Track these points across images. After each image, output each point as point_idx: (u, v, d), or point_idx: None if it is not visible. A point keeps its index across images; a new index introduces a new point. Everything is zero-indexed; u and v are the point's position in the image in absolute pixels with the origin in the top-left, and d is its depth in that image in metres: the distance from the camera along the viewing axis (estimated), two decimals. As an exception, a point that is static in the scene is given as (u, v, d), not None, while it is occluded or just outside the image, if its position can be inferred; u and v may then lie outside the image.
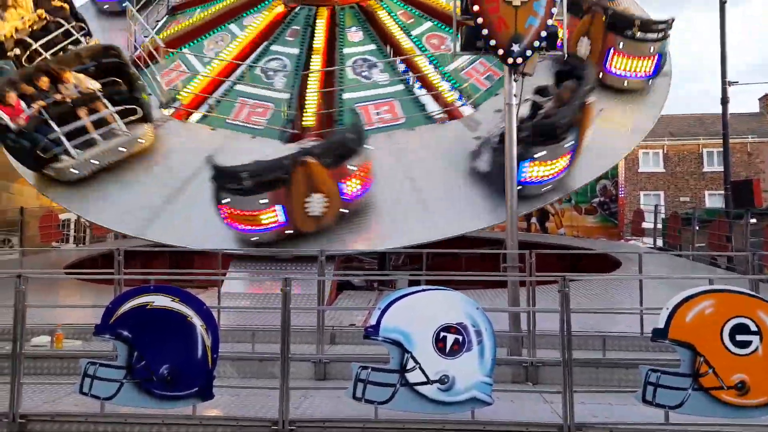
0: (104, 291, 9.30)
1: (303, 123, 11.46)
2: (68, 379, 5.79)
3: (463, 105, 11.40)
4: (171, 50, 12.31)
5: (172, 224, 9.58)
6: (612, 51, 10.60)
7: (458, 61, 11.92)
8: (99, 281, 10.00)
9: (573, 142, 9.10)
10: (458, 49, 6.73)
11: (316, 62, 12.38)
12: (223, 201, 8.63)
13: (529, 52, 6.30)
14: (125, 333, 4.65)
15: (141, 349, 4.65)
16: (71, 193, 10.06)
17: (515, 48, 6.26)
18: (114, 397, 4.69)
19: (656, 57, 10.81)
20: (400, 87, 11.89)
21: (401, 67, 12.47)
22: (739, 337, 4.48)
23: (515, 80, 6.52)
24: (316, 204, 8.72)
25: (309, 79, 12.06)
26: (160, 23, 12.99)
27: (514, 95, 6.52)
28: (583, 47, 10.55)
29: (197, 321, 4.66)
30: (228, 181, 8.49)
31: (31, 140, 9.38)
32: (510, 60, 6.33)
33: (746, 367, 4.47)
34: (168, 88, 11.77)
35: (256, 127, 11.26)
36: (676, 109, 29.85)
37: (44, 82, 9.73)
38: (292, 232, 8.95)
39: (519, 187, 9.19)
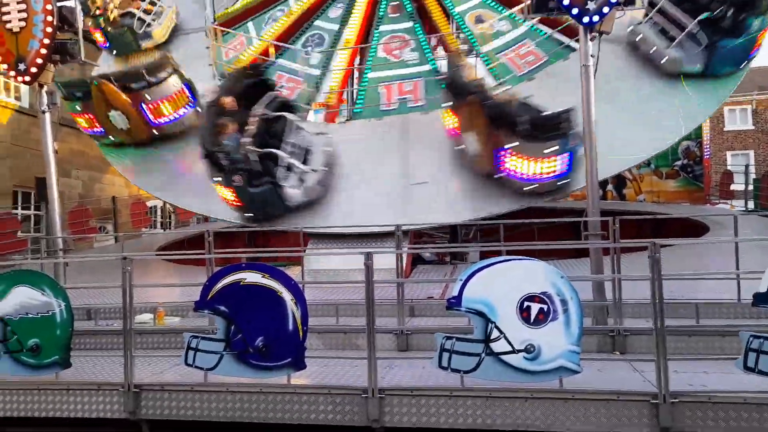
0: (193, 271, 9.92)
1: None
2: (170, 352, 6.26)
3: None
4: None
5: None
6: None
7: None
8: (187, 261, 10.65)
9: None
10: (530, 11, 6.50)
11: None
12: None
13: (606, 9, 6.00)
14: (222, 308, 4.96)
15: (237, 323, 4.94)
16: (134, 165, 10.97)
17: (591, 5, 5.98)
18: (215, 367, 5.03)
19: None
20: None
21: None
22: None
23: (591, 40, 6.24)
24: None
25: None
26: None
27: (591, 56, 6.24)
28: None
29: (287, 295, 4.89)
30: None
31: None
32: (585, 19, 6.05)
33: None
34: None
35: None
36: (765, 60, 27.40)
37: None
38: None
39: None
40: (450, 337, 4.76)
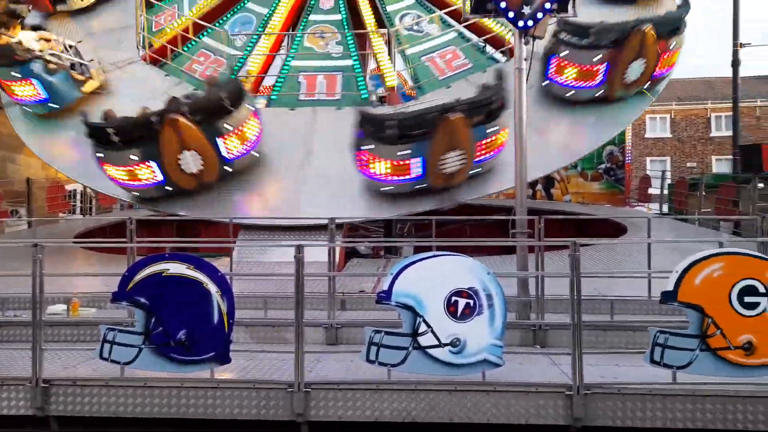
0: (114, 260, 9.44)
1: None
2: (85, 345, 5.95)
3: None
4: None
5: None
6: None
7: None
8: (108, 250, 10.13)
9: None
10: (468, 11, 6.62)
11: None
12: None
13: (540, 15, 6.20)
14: (142, 300, 4.74)
15: (158, 315, 4.74)
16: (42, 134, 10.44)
17: (526, 10, 6.16)
18: (133, 361, 4.80)
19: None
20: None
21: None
22: (747, 299, 4.54)
23: (525, 44, 6.44)
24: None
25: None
26: (142, 18, 12.21)
27: (525, 59, 6.44)
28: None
29: (212, 287, 4.74)
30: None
31: None
32: (520, 23, 6.23)
33: (753, 328, 4.54)
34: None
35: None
36: (684, 73, 29.30)
37: None
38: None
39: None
40: (379, 330, 4.79)
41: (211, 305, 4.73)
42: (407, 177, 8.77)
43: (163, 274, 4.76)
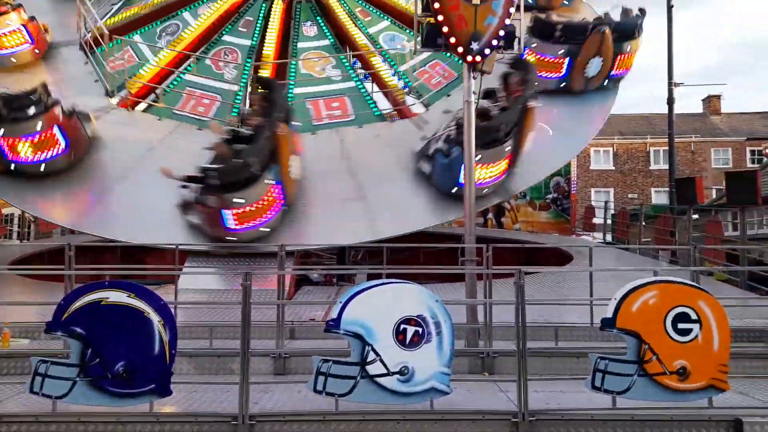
0: (52, 288, 8.98)
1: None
2: (15, 378, 5.61)
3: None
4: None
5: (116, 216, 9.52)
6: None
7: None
8: (46, 278, 9.65)
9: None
10: (419, 46, 6.82)
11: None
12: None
13: (487, 51, 6.45)
14: (78, 330, 4.53)
15: (95, 346, 4.53)
16: (7, 185, 9.75)
17: (474, 46, 6.40)
18: (67, 395, 4.56)
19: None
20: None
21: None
22: (680, 325, 4.74)
23: (474, 78, 6.67)
24: None
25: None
26: (116, 6, 12.74)
27: (473, 92, 6.66)
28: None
29: (154, 317, 4.58)
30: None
31: None
32: (469, 58, 6.46)
33: (687, 354, 4.74)
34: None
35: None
36: (626, 108, 31.06)
37: None
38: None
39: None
40: (327, 360, 4.73)
41: (152, 335, 4.57)
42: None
43: (102, 303, 4.57)
